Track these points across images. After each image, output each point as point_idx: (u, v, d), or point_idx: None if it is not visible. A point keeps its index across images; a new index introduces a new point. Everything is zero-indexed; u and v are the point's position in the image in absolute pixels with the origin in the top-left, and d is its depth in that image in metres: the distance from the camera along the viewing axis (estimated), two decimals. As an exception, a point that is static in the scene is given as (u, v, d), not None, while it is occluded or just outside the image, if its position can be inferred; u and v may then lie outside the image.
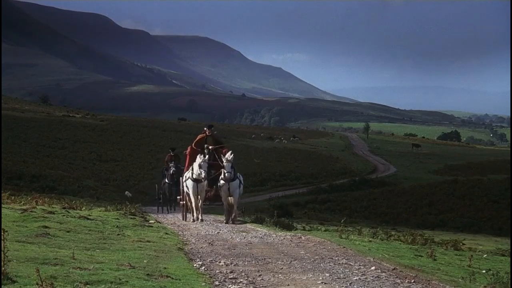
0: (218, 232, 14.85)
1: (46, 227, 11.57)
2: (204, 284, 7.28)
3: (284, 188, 49.42)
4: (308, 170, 61.69)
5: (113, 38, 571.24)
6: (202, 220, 18.08)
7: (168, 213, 24.92)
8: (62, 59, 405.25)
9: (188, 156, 19.29)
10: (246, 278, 7.88)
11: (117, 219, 15.15)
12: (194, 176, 17.99)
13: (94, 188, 39.21)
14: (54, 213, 14.09)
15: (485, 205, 39.92)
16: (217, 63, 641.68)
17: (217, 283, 7.44)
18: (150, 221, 16.23)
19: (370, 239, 13.28)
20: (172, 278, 7.30)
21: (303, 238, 12.75)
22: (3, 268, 6.18)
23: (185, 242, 12.13)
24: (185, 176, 18.88)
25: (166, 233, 13.36)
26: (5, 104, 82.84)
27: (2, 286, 6.00)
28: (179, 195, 20.69)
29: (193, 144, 19.37)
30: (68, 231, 11.55)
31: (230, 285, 7.34)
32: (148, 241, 11.23)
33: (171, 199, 25.59)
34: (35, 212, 13.80)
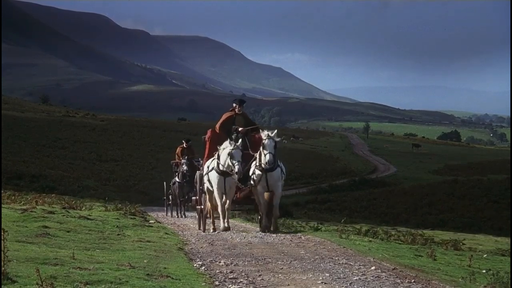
0: (218, 232, 14.84)
1: (46, 227, 11.57)
2: (204, 284, 7.28)
3: (284, 188, 49.36)
4: (308, 170, 61.73)
5: (113, 38, 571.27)
6: (229, 228, 13.94)
7: (181, 216, 22.31)
8: (62, 59, 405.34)
9: (208, 142, 14.75)
10: (246, 278, 7.88)
11: (117, 219, 15.14)
12: (222, 168, 13.65)
13: (94, 188, 39.24)
14: (54, 213, 14.08)
15: (485, 205, 39.96)
16: (217, 63, 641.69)
17: (217, 283, 7.44)
18: (150, 221, 16.23)
19: (370, 239, 13.29)
20: (172, 278, 7.30)
21: (303, 238, 12.75)
22: (3, 268, 6.18)
23: (185, 242, 12.13)
24: (206, 167, 14.39)
25: (166, 233, 13.36)
26: (5, 104, 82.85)
27: (2, 286, 6.01)
28: (195, 196, 16.77)
29: (217, 126, 14.65)
30: (68, 231, 11.55)
31: (230, 285, 7.34)
32: (148, 241, 11.23)
33: (181, 200, 22.49)
34: (35, 212, 13.80)
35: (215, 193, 13.91)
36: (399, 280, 8.13)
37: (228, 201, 13.69)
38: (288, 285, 7.55)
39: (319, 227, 15.88)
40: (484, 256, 12.85)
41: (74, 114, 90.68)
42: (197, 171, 18.70)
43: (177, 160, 22.88)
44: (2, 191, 21.80)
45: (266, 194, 13.47)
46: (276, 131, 13.50)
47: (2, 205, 14.11)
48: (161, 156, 61.67)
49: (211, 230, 14.23)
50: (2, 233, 6.21)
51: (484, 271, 9.21)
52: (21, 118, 70.28)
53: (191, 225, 17.75)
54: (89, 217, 14.33)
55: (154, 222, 16.22)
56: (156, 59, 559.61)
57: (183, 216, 22.25)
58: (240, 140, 13.57)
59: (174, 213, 23.22)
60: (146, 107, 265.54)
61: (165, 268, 8.07)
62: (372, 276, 8.20)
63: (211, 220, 14.71)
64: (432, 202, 40.77)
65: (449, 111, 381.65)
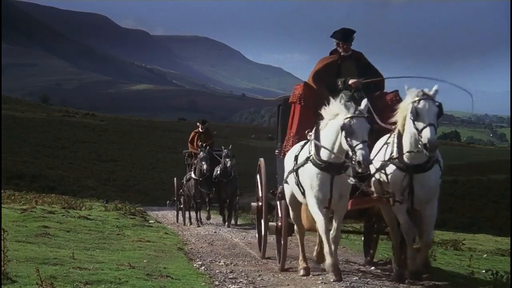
0: (217, 232, 14.85)
1: (46, 227, 11.58)
2: (204, 284, 7.28)
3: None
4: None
5: (113, 38, 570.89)
6: (338, 272, 7.44)
7: (198, 225, 16.92)
8: (62, 59, 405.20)
9: (297, 108, 8.49)
10: (246, 278, 7.88)
11: (117, 219, 15.15)
12: (327, 157, 7.30)
13: (94, 188, 39.24)
14: (54, 213, 14.10)
15: (485, 205, 40.01)
16: (217, 63, 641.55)
17: (217, 283, 7.44)
18: (150, 221, 16.24)
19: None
20: (172, 278, 7.30)
21: (303, 238, 12.71)
22: (3, 268, 6.18)
23: (185, 242, 12.15)
24: (292, 157, 7.92)
25: (166, 233, 13.37)
26: (5, 104, 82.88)
27: (2, 286, 6.01)
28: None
29: (310, 78, 8.61)
30: (68, 231, 11.56)
31: (230, 285, 7.35)
32: (148, 241, 11.23)
33: (198, 203, 17.04)
34: (35, 212, 13.81)
35: (311, 205, 7.44)
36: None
37: (337, 221, 7.50)
38: (288, 285, 7.55)
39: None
40: (484, 256, 12.86)
41: (74, 114, 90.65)
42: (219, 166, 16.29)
43: (191, 150, 17.79)
44: (2, 191, 21.80)
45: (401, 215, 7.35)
46: (436, 87, 7.10)
47: (2, 205, 14.12)
48: (161, 156, 61.76)
49: (301, 272, 7.98)
50: (2, 233, 6.21)
51: (484, 271, 9.21)
52: (21, 118, 70.25)
53: (192, 226, 17.49)
54: (89, 217, 14.34)
55: (154, 222, 16.23)
56: (156, 59, 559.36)
57: (200, 224, 17.11)
58: (365, 103, 7.22)
59: (188, 219, 17.88)
60: (146, 107, 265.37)
61: (165, 268, 8.07)
62: (372, 276, 8.20)
63: (301, 249, 8.28)
64: (432, 202, 40.83)
65: (449, 111, 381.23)
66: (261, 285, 7.48)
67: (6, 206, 14.78)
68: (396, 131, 7.31)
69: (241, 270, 8.56)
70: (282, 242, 8.68)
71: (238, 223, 17.63)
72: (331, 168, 7.30)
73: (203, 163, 16.32)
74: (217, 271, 8.38)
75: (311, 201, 7.46)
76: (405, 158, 7.14)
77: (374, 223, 8.96)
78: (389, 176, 7.34)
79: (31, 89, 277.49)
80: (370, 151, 7.18)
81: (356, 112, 7.01)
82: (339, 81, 8.40)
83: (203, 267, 8.67)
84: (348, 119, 6.96)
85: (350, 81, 8.33)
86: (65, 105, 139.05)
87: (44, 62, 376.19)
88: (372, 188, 7.64)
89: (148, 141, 69.13)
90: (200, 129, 17.86)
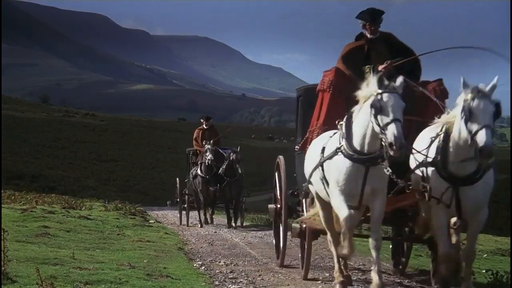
0: (217, 232, 14.85)
1: (46, 227, 11.58)
2: (204, 284, 7.28)
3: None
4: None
5: (113, 38, 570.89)
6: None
7: (201, 225, 16.38)
8: (62, 59, 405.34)
9: (327, 96, 7.65)
10: (246, 278, 7.88)
11: (117, 219, 15.16)
12: (359, 146, 6.27)
13: (94, 188, 39.25)
14: (54, 213, 14.11)
15: (485, 205, 39.97)
16: (217, 63, 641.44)
17: (217, 283, 7.44)
18: (150, 221, 16.24)
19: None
20: (172, 278, 7.30)
21: (303, 238, 12.71)
22: (3, 268, 6.18)
23: (185, 242, 12.15)
24: (319, 149, 6.88)
25: (166, 233, 13.37)
26: (5, 104, 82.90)
27: (2, 286, 6.01)
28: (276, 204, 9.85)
29: (339, 62, 7.71)
30: (68, 231, 11.56)
31: (230, 285, 7.34)
32: (148, 241, 11.24)
33: (205, 199, 16.46)
34: (35, 212, 13.82)
35: (336, 201, 6.44)
36: (399, 280, 8.13)
37: (377, 217, 6.41)
38: (288, 285, 7.55)
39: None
40: (484, 256, 12.85)
41: (74, 114, 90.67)
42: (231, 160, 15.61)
43: (195, 147, 17.02)
44: (2, 191, 21.81)
45: (452, 222, 6.40)
46: (495, 81, 5.98)
47: (2, 205, 14.12)
48: (161, 156, 61.78)
49: (338, 287, 6.91)
50: (2, 233, 6.21)
51: (484, 271, 9.20)
52: (21, 118, 70.26)
53: (192, 226, 17.38)
54: (89, 217, 14.34)
55: (154, 222, 16.23)
56: (156, 59, 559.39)
57: (207, 222, 16.91)
58: (401, 79, 6.11)
59: (192, 220, 17.18)
60: (146, 107, 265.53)
61: (165, 268, 8.07)
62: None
63: (336, 258, 7.05)
64: (432, 202, 40.81)
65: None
66: (261, 285, 7.48)
67: (6, 206, 14.78)
68: (443, 129, 6.23)
69: (241, 270, 8.57)
70: (306, 247, 7.69)
71: (243, 224, 17.16)
72: (365, 159, 6.22)
73: (207, 153, 15.59)
74: (217, 271, 8.38)
75: (336, 198, 6.39)
76: (451, 166, 6.09)
77: (412, 228, 7.74)
78: (429, 177, 6.31)
79: (31, 89, 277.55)
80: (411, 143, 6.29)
81: (388, 86, 5.97)
82: (367, 68, 7.20)
83: (203, 267, 8.67)
84: (378, 95, 5.93)
85: (380, 67, 7.24)
86: (65, 105, 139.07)
87: (44, 62, 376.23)
88: (423, 184, 6.43)
89: (148, 141, 69.16)
90: (204, 125, 17.13)
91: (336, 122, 6.67)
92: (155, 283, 6.92)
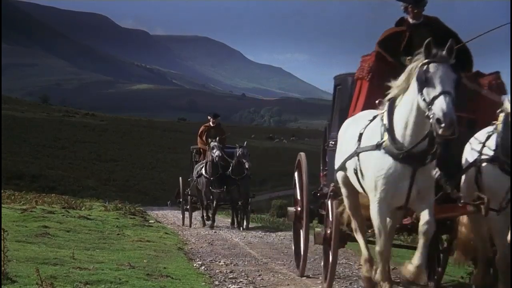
0: (217, 232, 14.85)
1: (46, 227, 11.57)
2: (204, 284, 7.28)
3: (284, 188, 49.44)
4: (308, 170, 61.77)
5: (113, 38, 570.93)
6: None
7: (205, 222, 16.21)
8: (62, 59, 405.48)
9: (365, 85, 6.73)
10: (246, 278, 7.88)
11: (117, 219, 15.15)
12: (402, 139, 5.21)
13: (94, 188, 39.26)
14: (54, 213, 14.09)
15: (485, 205, 39.99)
16: (217, 63, 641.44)
17: (217, 283, 7.44)
18: (150, 221, 16.24)
19: (370, 238, 13.28)
20: (172, 278, 7.30)
21: (303, 238, 12.71)
22: (3, 268, 6.18)
23: (185, 242, 12.15)
24: (354, 130, 5.87)
25: (166, 233, 13.37)
26: (5, 104, 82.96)
27: (2, 286, 6.01)
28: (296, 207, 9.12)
29: (379, 48, 6.76)
30: (68, 231, 11.56)
31: (230, 285, 7.35)
32: (148, 241, 11.23)
33: (208, 204, 16.07)
34: (35, 212, 13.81)
35: (376, 206, 5.46)
36: (398, 280, 8.14)
37: (428, 210, 5.37)
38: (288, 285, 7.55)
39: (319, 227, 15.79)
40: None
41: (74, 114, 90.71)
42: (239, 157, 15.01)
43: (199, 145, 16.32)
44: (2, 191, 21.81)
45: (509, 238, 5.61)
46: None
47: (2, 205, 14.12)
48: (161, 156, 61.79)
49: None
50: (2, 233, 6.21)
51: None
52: (21, 118, 70.27)
53: (192, 226, 17.38)
54: (89, 217, 14.34)
55: (154, 222, 16.23)
56: (156, 59, 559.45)
57: (211, 221, 16.16)
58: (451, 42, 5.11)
59: (195, 222, 16.58)
60: (146, 107, 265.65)
61: (165, 268, 8.07)
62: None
63: (381, 260, 5.91)
64: (432, 202, 40.90)
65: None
66: (261, 285, 7.48)
67: (6, 206, 14.77)
68: (502, 118, 5.42)
69: (241, 270, 8.57)
70: (331, 254, 6.67)
71: (250, 226, 16.75)
72: (412, 158, 5.18)
73: (214, 150, 14.81)
74: (217, 271, 8.38)
75: (376, 201, 5.40)
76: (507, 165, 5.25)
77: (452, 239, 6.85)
78: (486, 179, 5.54)
79: (31, 89, 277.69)
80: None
81: (437, 56, 4.96)
82: (406, 59, 5.37)
83: (203, 267, 8.67)
84: (424, 65, 4.95)
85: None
86: (65, 105, 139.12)
87: (44, 62, 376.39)
88: (460, 193, 5.68)
89: (148, 141, 69.19)
90: (211, 123, 16.36)
91: (376, 102, 5.73)
92: (155, 283, 6.92)
